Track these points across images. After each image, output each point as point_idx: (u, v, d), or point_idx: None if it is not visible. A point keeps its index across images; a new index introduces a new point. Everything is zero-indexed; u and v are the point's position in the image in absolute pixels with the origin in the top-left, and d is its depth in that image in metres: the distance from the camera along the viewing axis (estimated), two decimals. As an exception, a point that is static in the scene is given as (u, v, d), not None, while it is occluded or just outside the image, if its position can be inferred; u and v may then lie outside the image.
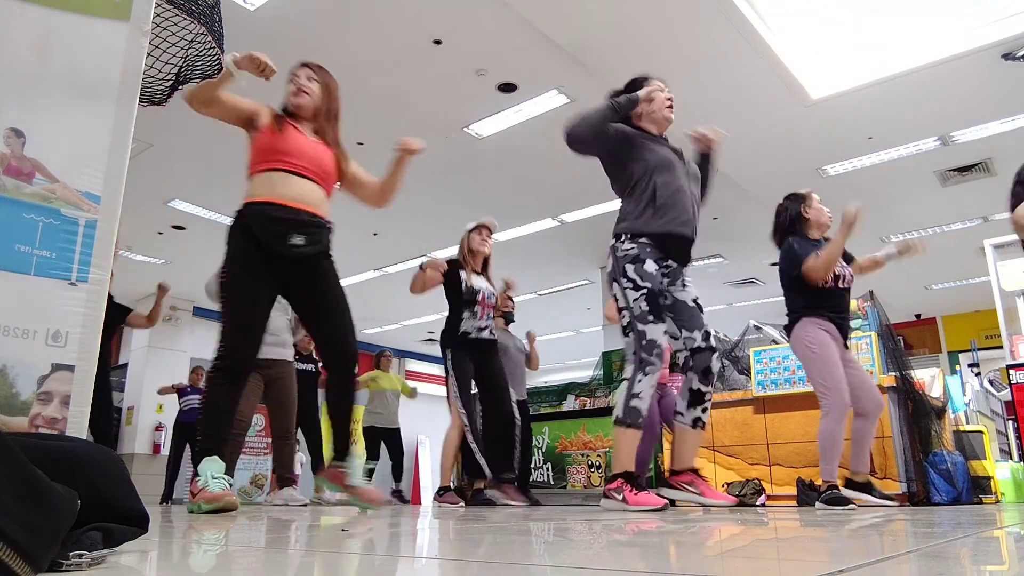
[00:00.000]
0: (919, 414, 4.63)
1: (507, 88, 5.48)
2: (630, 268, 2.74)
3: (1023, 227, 2.79)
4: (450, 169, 6.80)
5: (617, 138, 2.86)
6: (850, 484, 3.40)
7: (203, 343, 9.99)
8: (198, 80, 2.00)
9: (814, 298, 3.47)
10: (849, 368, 3.46)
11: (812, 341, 3.40)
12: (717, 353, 2.87)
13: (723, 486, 4.84)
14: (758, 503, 4.55)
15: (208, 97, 2.47)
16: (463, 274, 4.27)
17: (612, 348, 7.77)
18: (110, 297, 3.10)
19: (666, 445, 4.80)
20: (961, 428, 5.32)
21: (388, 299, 10.58)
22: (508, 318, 5.50)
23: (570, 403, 6.75)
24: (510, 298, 5.60)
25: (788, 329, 3.57)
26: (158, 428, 10.13)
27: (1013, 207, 2.83)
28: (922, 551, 1.08)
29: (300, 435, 5.26)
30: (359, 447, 5.25)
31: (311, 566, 0.98)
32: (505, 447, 4.28)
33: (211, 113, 2.55)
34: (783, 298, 3.64)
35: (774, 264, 3.74)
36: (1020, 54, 4.88)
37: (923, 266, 9.16)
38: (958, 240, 8.32)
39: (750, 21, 4.69)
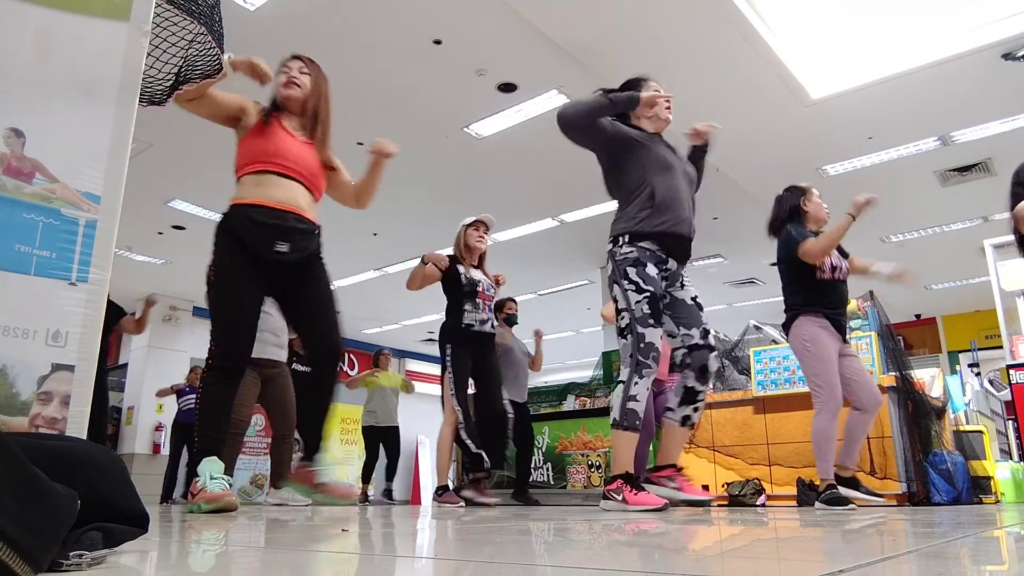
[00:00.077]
0: (919, 414, 4.64)
1: (507, 88, 5.47)
2: (632, 271, 2.74)
3: None
4: (450, 169, 6.80)
5: (616, 138, 2.86)
6: (836, 479, 3.39)
7: (203, 343, 9.78)
8: (198, 80, 2.00)
9: (811, 294, 3.48)
10: (848, 361, 3.48)
11: (808, 339, 3.44)
12: (715, 352, 2.87)
13: (723, 486, 4.84)
14: (758, 503, 4.55)
15: (195, 93, 2.42)
16: (461, 268, 4.28)
17: (612, 348, 7.77)
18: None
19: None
20: (961, 428, 5.32)
21: (388, 299, 10.58)
22: (511, 321, 5.50)
23: (570, 403, 6.76)
24: (513, 301, 5.61)
25: (786, 327, 3.59)
26: (158, 428, 10.13)
27: (1013, 207, 2.84)
28: (922, 551, 1.08)
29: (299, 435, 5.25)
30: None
31: (311, 566, 0.97)
32: (498, 441, 4.29)
33: (197, 109, 2.52)
34: (782, 296, 3.66)
35: (774, 264, 3.75)
36: (1020, 54, 4.88)
37: (923, 266, 9.17)
38: (958, 240, 8.32)
39: (750, 21, 4.68)
